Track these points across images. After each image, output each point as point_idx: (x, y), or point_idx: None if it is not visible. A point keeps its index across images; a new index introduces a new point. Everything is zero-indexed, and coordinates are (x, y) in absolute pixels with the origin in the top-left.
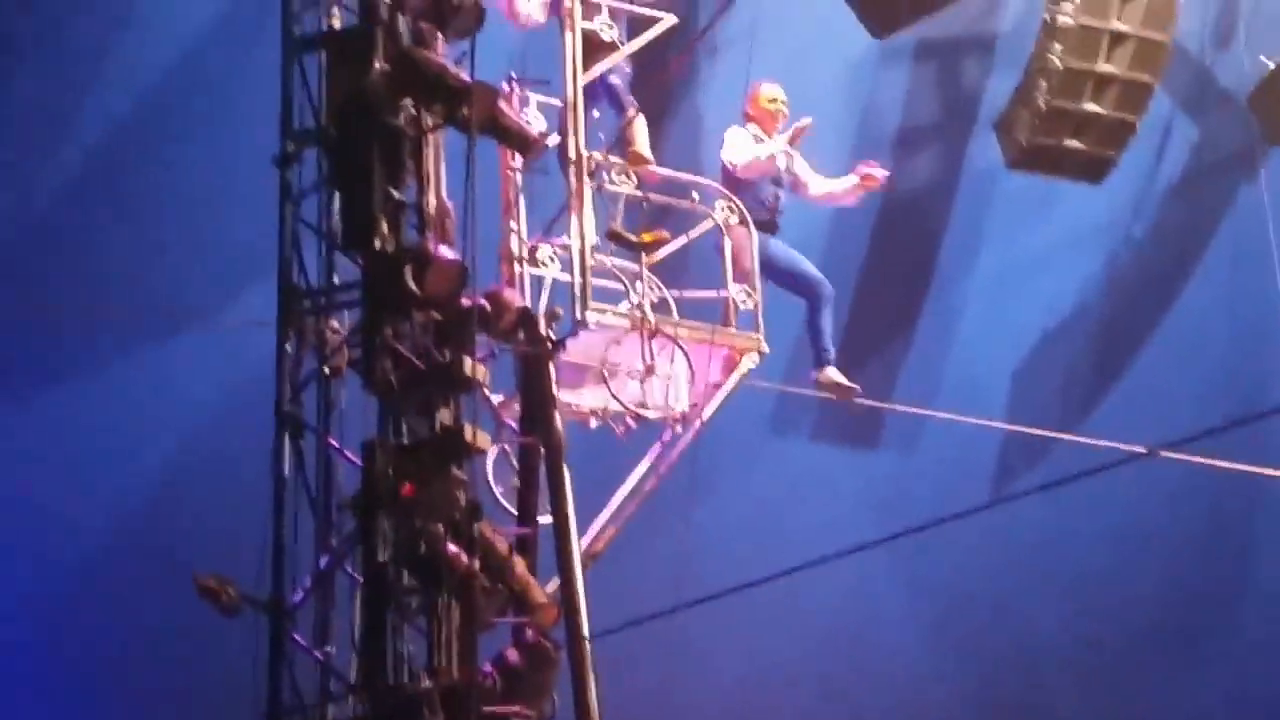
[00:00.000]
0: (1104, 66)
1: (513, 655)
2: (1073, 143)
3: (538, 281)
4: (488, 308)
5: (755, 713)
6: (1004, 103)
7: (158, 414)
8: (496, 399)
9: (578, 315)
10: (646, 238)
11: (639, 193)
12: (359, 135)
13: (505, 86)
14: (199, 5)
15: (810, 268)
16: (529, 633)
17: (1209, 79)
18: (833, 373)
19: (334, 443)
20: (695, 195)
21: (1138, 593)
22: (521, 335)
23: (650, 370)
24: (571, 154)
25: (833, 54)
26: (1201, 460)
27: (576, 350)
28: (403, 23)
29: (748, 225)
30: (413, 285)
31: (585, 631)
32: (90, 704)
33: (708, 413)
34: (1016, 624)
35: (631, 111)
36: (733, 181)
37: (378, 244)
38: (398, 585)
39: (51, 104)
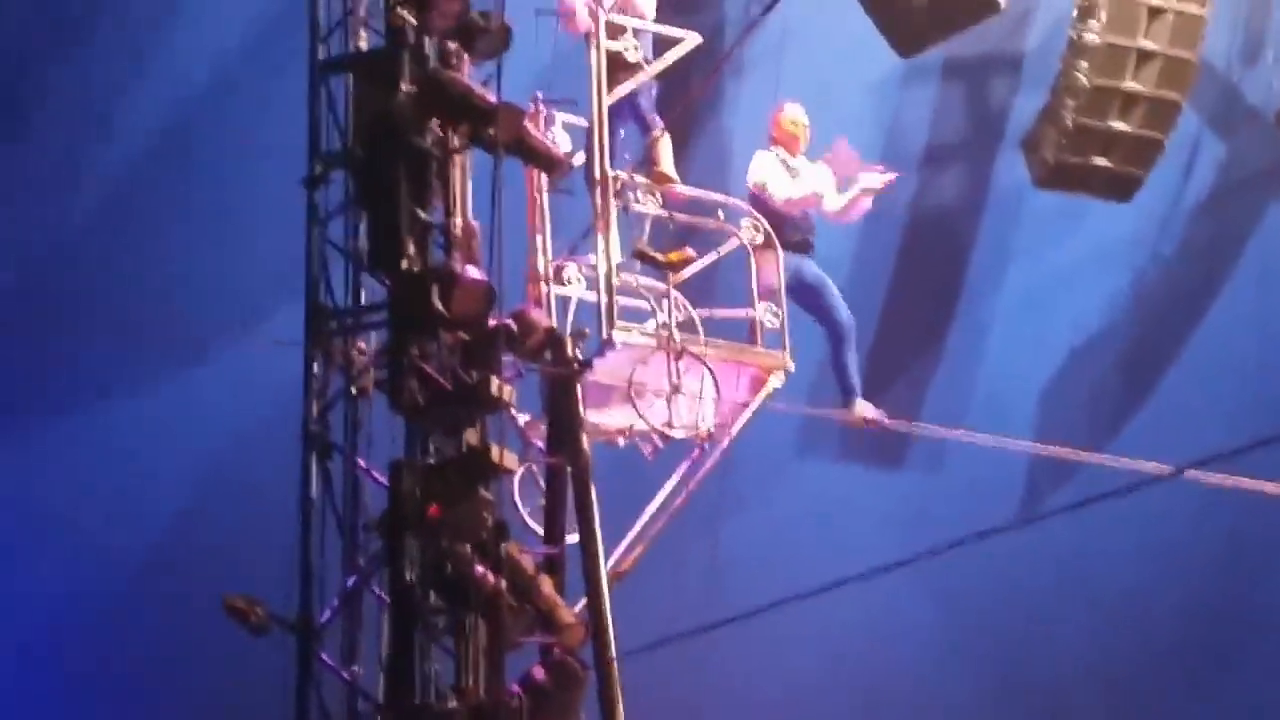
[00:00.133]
0: (1131, 84)
1: (540, 675)
2: (1100, 161)
3: (564, 301)
4: (514, 328)
5: None
6: (1031, 121)
7: (186, 434)
8: (523, 419)
9: (604, 335)
10: (672, 257)
11: (664, 212)
12: (386, 156)
13: (531, 107)
14: (226, 30)
15: (837, 299)
16: (556, 652)
17: (1236, 96)
18: (860, 406)
19: (361, 463)
20: (721, 214)
21: (1163, 612)
22: (548, 355)
23: (676, 389)
24: (597, 174)
25: (859, 73)
26: (1228, 480)
27: (603, 370)
28: (429, 44)
29: (773, 244)
30: (439, 306)
31: (612, 651)
32: None
33: (735, 431)
34: (1043, 643)
35: (657, 131)
36: (761, 204)
37: (404, 265)
38: (425, 605)
39: (80, 128)
